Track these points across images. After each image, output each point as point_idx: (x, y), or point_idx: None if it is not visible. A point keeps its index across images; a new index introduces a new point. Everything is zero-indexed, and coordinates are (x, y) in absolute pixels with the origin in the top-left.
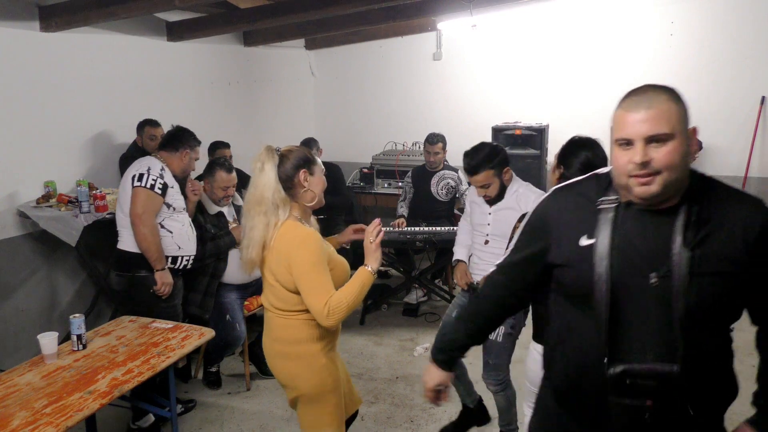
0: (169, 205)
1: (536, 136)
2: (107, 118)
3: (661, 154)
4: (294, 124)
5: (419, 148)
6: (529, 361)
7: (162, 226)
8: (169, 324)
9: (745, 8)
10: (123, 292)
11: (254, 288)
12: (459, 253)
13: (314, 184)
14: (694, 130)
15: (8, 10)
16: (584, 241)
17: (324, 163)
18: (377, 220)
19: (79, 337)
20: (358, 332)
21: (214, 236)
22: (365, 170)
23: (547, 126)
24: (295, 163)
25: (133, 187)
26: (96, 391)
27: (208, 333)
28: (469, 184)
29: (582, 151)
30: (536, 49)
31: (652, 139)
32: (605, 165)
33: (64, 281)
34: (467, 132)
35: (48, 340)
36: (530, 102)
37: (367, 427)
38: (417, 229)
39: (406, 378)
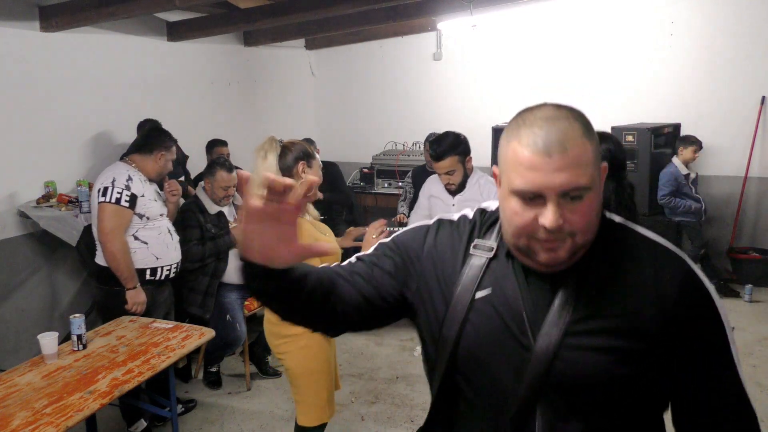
0: (141, 215)
1: None
2: (107, 118)
3: (577, 215)
4: (294, 124)
5: (419, 148)
6: None
7: (136, 238)
8: (170, 324)
9: (745, 8)
10: (100, 302)
11: None
12: None
13: (312, 176)
14: (605, 169)
15: (8, 10)
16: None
17: (322, 162)
18: (383, 221)
19: (79, 337)
20: (358, 332)
21: (214, 236)
22: (365, 170)
23: None
24: (295, 155)
25: (99, 203)
26: (96, 391)
27: (209, 333)
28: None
29: (603, 145)
30: (536, 49)
31: (567, 194)
32: (626, 159)
33: (64, 281)
34: (467, 132)
35: (48, 340)
36: (530, 102)
37: (368, 427)
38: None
39: (407, 378)
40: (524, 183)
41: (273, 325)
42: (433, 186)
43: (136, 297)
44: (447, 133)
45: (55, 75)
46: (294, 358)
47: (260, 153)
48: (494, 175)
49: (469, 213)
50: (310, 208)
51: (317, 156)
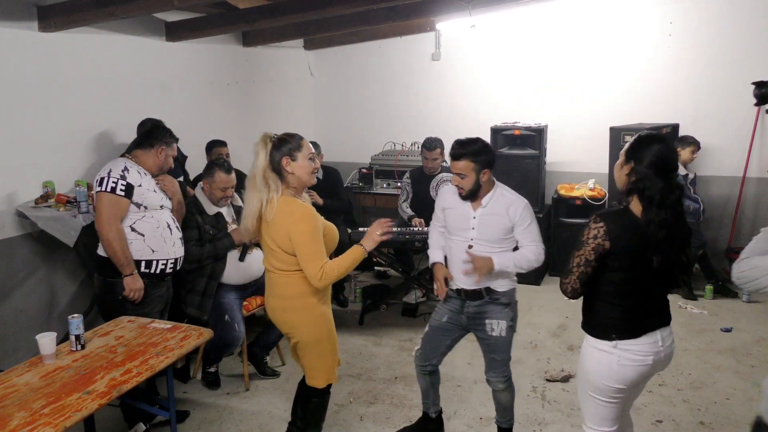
0: (139, 205)
1: (535, 137)
2: (106, 118)
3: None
4: (293, 124)
5: (418, 148)
6: (590, 363)
7: (133, 229)
8: (168, 324)
9: (744, 9)
10: (100, 294)
11: (253, 288)
12: (436, 255)
13: (297, 168)
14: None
15: (7, 10)
16: None
17: (323, 167)
18: (390, 221)
19: (77, 337)
20: (357, 332)
21: (213, 238)
22: (364, 170)
23: (546, 126)
24: (280, 152)
25: (96, 192)
26: (94, 392)
27: (207, 333)
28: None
29: (654, 144)
30: (535, 50)
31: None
32: (676, 159)
33: (62, 281)
34: (466, 132)
35: (46, 341)
36: (529, 102)
37: (366, 428)
38: (416, 229)
39: (405, 378)
40: None
41: (284, 300)
42: (448, 198)
43: (133, 283)
44: (477, 139)
45: (53, 75)
46: (308, 327)
47: (255, 149)
48: None
49: None
50: (306, 197)
51: (304, 146)
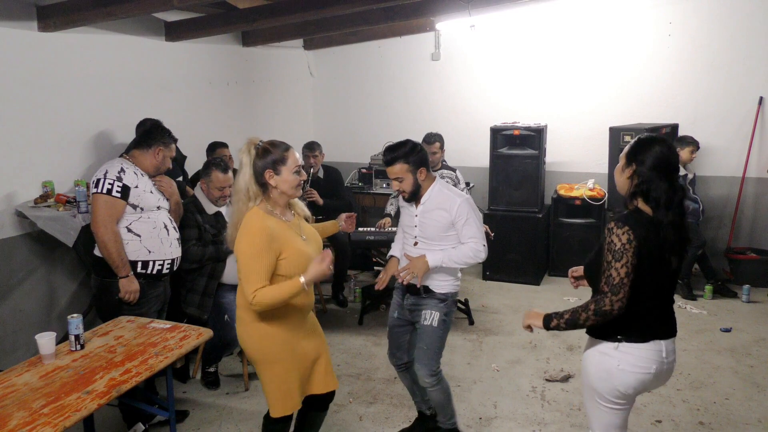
0: (135, 206)
1: (534, 137)
2: (105, 118)
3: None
4: (292, 124)
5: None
6: (591, 367)
7: (129, 230)
8: (167, 324)
9: (743, 9)
10: (96, 294)
11: None
12: (394, 249)
13: (281, 182)
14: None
15: (6, 10)
16: None
17: (324, 166)
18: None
19: (77, 337)
20: (357, 332)
21: (215, 240)
22: (363, 170)
23: (545, 126)
24: (262, 164)
25: (92, 194)
26: (94, 392)
27: (207, 333)
28: (468, 184)
29: (655, 146)
30: (534, 50)
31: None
32: (677, 160)
33: (62, 281)
34: (465, 132)
35: (46, 340)
36: (528, 102)
37: (365, 428)
38: None
39: None
40: None
41: (238, 308)
42: (401, 198)
43: (129, 285)
44: (406, 141)
45: (52, 75)
46: (250, 343)
47: (240, 157)
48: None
49: None
50: (301, 206)
51: (290, 159)
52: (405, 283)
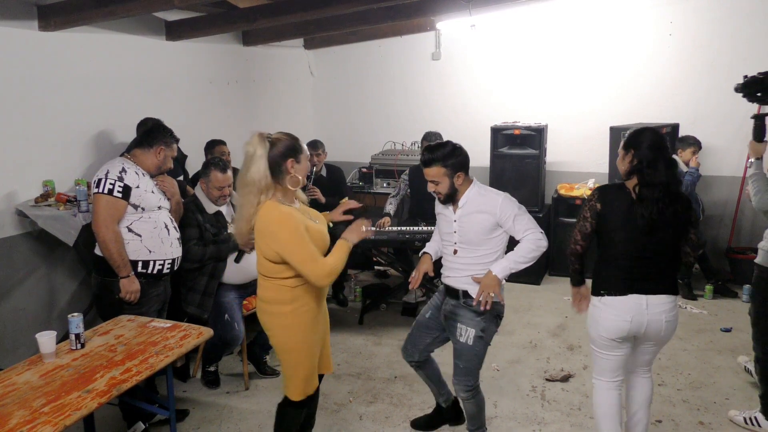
0: (136, 206)
1: (535, 136)
2: (106, 118)
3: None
4: (293, 123)
5: (418, 147)
6: (588, 318)
7: (130, 230)
8: (168, 323)
9: (744, 9)
10: (97, 293)
11: (253, 288)
12: (429, 247)
13: (300, 171)
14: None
15: (7, 10)
16: None
17: (327, 165)
18: (371, 228)
19: (77, 336)
20: (357, 332)
21: (216, 240)
22: (364, 170)
23: (546, 126)
24: (283, 151)
25: (93, 194)
26: (94, 390)
27: (207, 332)
28: None
29: (646, 132)
30: (535, 49)
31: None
32: (666, 144)
33: (62, 280)
34: (466, 131)
35: (46, 339)
36: (529, 102)
37: (366, 427)
38: (416, 228)
39: (405, 378)
40: None
41: (264, 303)
42: (439, 203)
43: (129, 285)
44: (446, 143)
45: (53, 74)
46: (278, 332)
47: (249, 149)
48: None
49: None
50: (300, 193)
51: (305, 148)
52: (484, 308)
